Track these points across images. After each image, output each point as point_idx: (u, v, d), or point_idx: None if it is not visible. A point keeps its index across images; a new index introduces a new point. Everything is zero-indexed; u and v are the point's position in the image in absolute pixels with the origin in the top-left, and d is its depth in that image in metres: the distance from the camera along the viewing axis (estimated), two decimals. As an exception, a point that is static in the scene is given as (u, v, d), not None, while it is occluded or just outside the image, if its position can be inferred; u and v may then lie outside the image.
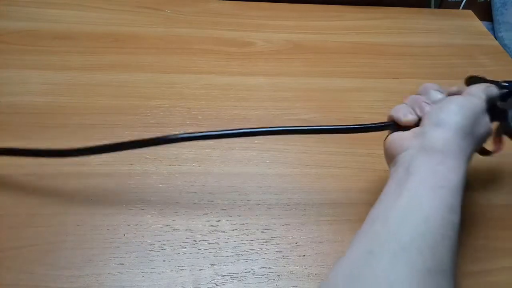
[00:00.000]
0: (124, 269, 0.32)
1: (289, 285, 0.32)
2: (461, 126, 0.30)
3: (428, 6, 0.75)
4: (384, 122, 0.35)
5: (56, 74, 0.50)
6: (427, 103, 0.33)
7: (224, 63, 0.55)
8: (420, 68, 0.58)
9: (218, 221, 0.36)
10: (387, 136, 0.34)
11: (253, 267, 0.33)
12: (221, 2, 0.68)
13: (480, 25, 0.69)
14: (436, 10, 0.74)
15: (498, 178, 0.43)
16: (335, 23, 0.66)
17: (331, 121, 0.48)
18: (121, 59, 0.53)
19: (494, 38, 0.66)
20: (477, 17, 0.72)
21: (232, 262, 0.33)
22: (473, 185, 0.41)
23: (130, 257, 0.33)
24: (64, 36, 0.56)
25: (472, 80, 0.38)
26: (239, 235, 0.35)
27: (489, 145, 0.37)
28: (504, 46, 0.81)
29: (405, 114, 0.33)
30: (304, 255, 0.34)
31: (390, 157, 0.33)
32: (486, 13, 0.91)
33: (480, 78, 0.37)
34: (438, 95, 0.34)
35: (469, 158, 0.30)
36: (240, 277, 0.33)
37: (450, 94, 0.34)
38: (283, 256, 0.34)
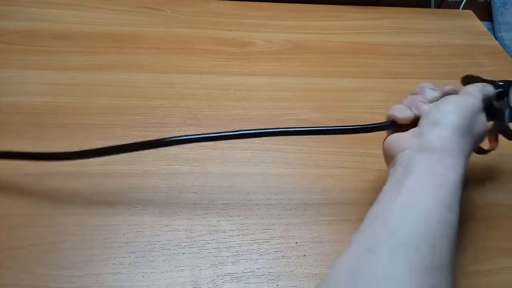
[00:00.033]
0: (124, 269, 0.32)
1: (289, 285, 0.32)
2: (458, 125, 0.30)
3: (428, 6, 0.75)
4: (382, 122, 0.35)
5: (56, 74, 0.50)
6: (423, 102, 0.33)
7: (224, 63, 0.55)
8: (420, 68, 0.58)
9: (218, 221, 0.36)
10: (386, 137, 0.34)
11: (253, 267, 0.33)
12: (221, 2, 0.68)
13: (480, 25, 0.69)
14: (436, 10, 0.74)
15: (497, 177, 0.43)
16: (335, 23, 0.66)
17: (331, 121, 0.48)
18: (121, 59, 0.53)
19: (494, 38, 0.66)
20: (477, 17, 0.72)
21: (232, 262, 0.33)
22: (473, 184, 0.41)
23: (130, 257, 0.33)
24: (64, 36, 0.56)
25: (468, 80, 0.38)
26: (239, 235, 0.35)
27: (484, 144, 0.38)
28: (504, 46, 0.81)
29: (401, 112, 0.34)
30: (304, 255, 0.34)
31: (389, 158, 0.33)
32: (486, 13, 0.91)
33: (476, 77, 0.38)
34: (433, 93, 0.34)
35: (467, 157, 0.30)
36: (240, 277, 0.33)
37: (445, 92, 0.35)
38: (283, 256, 0.34)
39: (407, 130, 0.33)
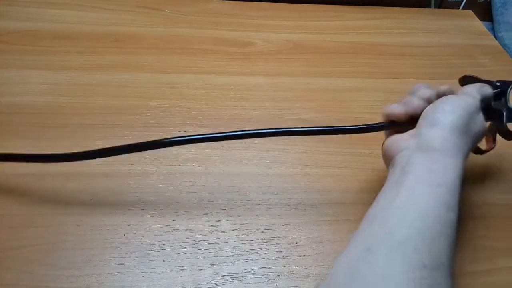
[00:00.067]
0: (124, 269, 0.32)
1: (289, 285, 0.32)
2: (456, 125, 0.30)
3: (428, 6, 0.75)
4: (381, 122, 0.35)
5: (56, 74, 0.50)
6: (416, 98, 0.34)
7: (224, 63, 0.55)
8: (420, 68, 0.58)
9: (218, 221, 0.36)
10: (385, 139, 0.35)
11: (253, 267, 0.33)
12: (221, 2, 0.68)
13: (480, 25, 0.69)
14: (436, 10, 0.74)
15: (496, 176, 0.43)
16: (335, 23, 0.66)
17: (331, 121, 0.48)
18: (121, 59, 0.53)
19: (494, 38, 0.66)
20: (477, 17, 0.72)
21: (232, 262, 0.33)
22: (471, 183, 0.41)
23: (130, 257, 0.33)
24: (64, 36, 0.56)
25: (466, 80, 0.38)
26: (239, 235, 0.35)
27: (482, 144, 0.38)
28: (504, 46, 0.81)
29: (393, 108, 0.34)
30: (304, 255, 0.34)
31: (388, 159, 0.33)
32: (486, 13, 0.91)
33: (474, 78, 0.38)
34: (427, 91, 0.34)
35: (466, 157, 0.31)
36: (240, 277, 0.33)
37: (441, 92, 0.35)
38: (283, 256, 0.34)
39: (405, 132, 0.33)
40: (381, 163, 0.37)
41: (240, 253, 0.34)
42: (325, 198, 0.39)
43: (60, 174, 0.38)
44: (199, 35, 0.60)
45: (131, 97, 0.48)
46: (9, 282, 0.31)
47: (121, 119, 0.45)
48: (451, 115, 0.31)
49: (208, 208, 0.37)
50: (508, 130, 0.35)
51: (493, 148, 0.39)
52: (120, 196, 0.37)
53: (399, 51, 0.61)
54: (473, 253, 0.36)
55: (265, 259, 0.34)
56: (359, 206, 0.38)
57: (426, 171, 0.28)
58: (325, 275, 0.32)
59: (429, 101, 0.34)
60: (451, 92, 0.35)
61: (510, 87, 0.36)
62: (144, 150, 0.33)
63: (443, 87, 0.35)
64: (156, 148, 0.33)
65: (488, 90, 0.35)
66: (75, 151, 0.34)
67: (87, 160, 0.39)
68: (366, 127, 0.35)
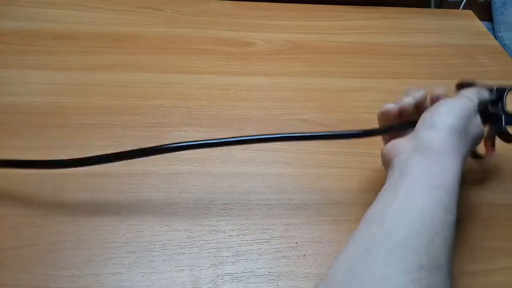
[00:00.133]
0: (124, 269, 0.32)
1: (289, 285, 0.32)
2: (454, 127, 0.31)
3: (428, 6, 0.75)
4: (379, 128, 0.37)
5: (56, 74, 0.50)
6: (408, 98, 0.35)
7: (224, 63, 0.55)
8: (420, 68, 0.58)
9: (218, 221, 0.36)
10: (384, 145, 0.35)
11: (253, 267, 0.33)
12: (221, 2, 0.68)
13: (480, 25, 0.69)
14: (436, 10, 0.74)
15: (495, 177, 0.43)
16: (335, 23, 0.66)
17: (331, 121, 0.48)
18: (121, 59, 0.53)
19: (494, 38, 0.66)
20: (477, 17, 0.72)
21: (232, 262, 0.33)
22: (470, 184, 0.41)
23: (130, 257, 0.33)
24: (64, 36, 0.56)
25: (463, 85, 0.38)
26: (239, 235, 0.35)
27: (481, 150, 0.38)
28: (504, 46, 0.81)
29: (386, 105, 0.35)
30: (304, 255, 0.34)
31: (387, 163, 0.33)
32: (486, 13, 0.91)
33: (471, 83, 0.38)
34: (419, 91, 0.35)
35: (464, 158, 0.31)
36: (240, 277, 0.33)
37: (436, 94, 0.35)
38: (283, 256, 0.34)
39: (403, 136, 0.34)
40: (381, 163, 0.37)
41: (240, 253, 0.34)
42: (325, 198, 0.39)
43: (60, 174, 0.38)
44: (199, 35, 0.60)
45: (131, 97, 0.48)
46: (9, 282, 0.31)
47: (121, 119, 0.45)
48: (448, 117, 0.31)
49: (208, 208, 0.37)
50: (508, 133, 0.35)
51: (492, 154, 0.39)
52: (120, 196, 0.37)
53: (399, 51, 0.61)
54: (472, 253, 0.36)
55: (265, 259, 0.34)
56: (359, 206, 0.38)
57: (424, 173, 0.28)
58: (325, 275, 0.32)
59: (421, 100, 0.35)
60: (445, 95, 0.35)
61: (506, 92, 0.36)
62: (149, 155, 0.33)
63: (438, 90, 0.35)
64: (163, 153, 0.33)
65: (485, 93, 0.36)
66: (75, 157, 0.34)
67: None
68: (365, 133, 0.35)
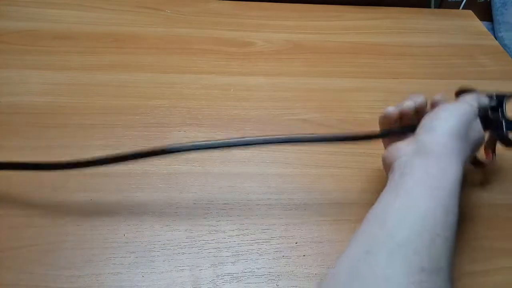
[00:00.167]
0: (124, 269, 0.32)
1: (289, 285, 0.32)
2: (454, 130, 0.31)
3: (428, 6, 0.75)
4: (378, 132, 0.37)
5: (56, 74, 0.50)
6: (408, 101, 0.35)
7: (224, 63, 0.55)
8: (420, 68, 0.58)
9: (218, 221, 0.36)
10: (384, 150, 0.36)
11: (253, 267, 0.33)
12: (221, 2, 0.68)
13: (480, 25, 0.69)
14: (436, 10, 0.74)
15: (495, 177, 0.43)
16: (335, 23, 0.66)
17: (331, 121, 0.48)
18: (121, 59, 0.53)
19: (494, 38, 0.66)
20: (477, 17, 0.72)
21: (232, 262, 0.33)
22: (470, 184, 0.41)
23: (130, 257, 0.33)
24: (64, 36, 0.56)
25: (462, 92, 0.39)
26: (239, 235, 0.35)
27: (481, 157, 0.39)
28: (504, 46, 0.81)
29: (387, 109, 0.36)
30: (304, 255, 0.34)
31: (388, 166, 0.34)
32: (486, 13, 0.91)
33: (470, 89, 0.38)
34: (420, 96, 0.36)
35: (464, 162, 0.31)
36: (240, 277, 0.33)
37: (435, 101, 0.36)
38: (283, 256, 0.34)
39: (403, 140, 0.34)
40: (381, 163, 0.37)
41: (240, 253, 0.34)
42: (325, 198, 0.39)
43: (60, 174, 0.38)
44: (199, 35, 0.60)
45: (131, 97, 0.48)
46: (9, 282, 0.31)
47: (121, 119, 0.45)
48: (448, 121, 0.31)
49: (208, 208, 0.37)
50: (509, 139, 0.36)
51: (492, 160, 0.40)
52: (120, 196, 0.37)
53: (399, 51, 0.61)
54: (472, 253, 0.36)
55: (265, 259, 0.34)
56: (359, 206, 0.38)
57: (425, 175, 0.28)
58: (325, 275, 0.32)
59: (421, 105, 0.35)
60: (445, 101, 0.36)
61: (505, 98, 0.37)
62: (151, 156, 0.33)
63: (438, 97, 0.36)
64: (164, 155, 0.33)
65: (484, 99, 0.36)
66: (75, 157, 0.34)
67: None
68: (364, 136, 0.36)
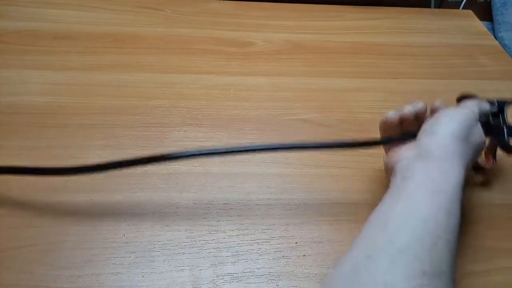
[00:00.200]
0: (124, 269, 0.32)
1: (289, 285, 0.32)
2: (455, 134, 0.31)
3: (428, 6, 0.75)
4: (378, 139, 0.37)
5: (56, 74, 0.50)
6: (408, 106, 0.36)
7: (224, 63, 0.55)
8: (420, 68, 0.58)
9: (218, 221, 0.36)
10: (385, 155, 0.36)
11: (253, 267, 0.33)
12: (221, 2, 0.68)
13: (480, 25, 0.69)
14: (436, 10, 0.74)
15: (496, 177, 0.43)
16: (335, 23, 0.66)
17: (331, 121, 0.48)
18: (121, 59, 0.53)
19: (494, 38, 0.66)
20: (477, 17, 0.72)
21: (232, 262, 0.33)
22: (471, 184, 0.41)
23: (130, 257, 0.33)
24: (64, 36, 0.56)
25: (464, 98, 0.39)
26: (239, 235, 0.35)
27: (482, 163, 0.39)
28: (504, 46, 0.81)
29: (387, 114, 0.36)
30: (304, 255, 0.34)
31: (390, 171, 0.34)
32: (486, 13, 0.91)
33: (471, 95, 0.39)
34: (420, 102, 0.36)
35: (466, 166, 0.31)
36: (240, 277, 0.33)
37: (435, 107, 0.36)
38: (283, 256, 0.34)
39: (405, 145, 0.34)
40: (381, 163, 0.37)
41: (240, 253, 0.34)
42: (325, 198, 0.39)
43: (60, 174, 0.38)
44: (199, 35, 0.60)
45: (131, 97, 0.48)
46: (9, 282, 0.31)
47: (121, 119, 0.45)
48: (449, 125, 0.32)
49: (208, 208, 0.37)
50: (510, 145, 0.36)
51: (492, 166, 0.40)
52: (120, 196, 0.37)
53: (399, 51, 0.61)
54: (473, 253, 0.36)
55: (265, 259, 0.34)
56: (359, 206, 0.38)
57: (426, 178, 0.28)
58: (325, 275, 0.32)
59: (421, 111, 0.35)
60: (445, 106, 0.36)
61: (506, 104, 0.37)
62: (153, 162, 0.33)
63: (437, 103, 0.36)
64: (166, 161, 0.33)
65: (485, 105, 0.36)
66: (75, 157, 0.34)
67: (87, 160, 0.40)
68: (365, 143, 0.36)
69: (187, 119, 0.46)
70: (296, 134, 0.45)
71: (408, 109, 0.35)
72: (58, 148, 0.41)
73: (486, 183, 0.42)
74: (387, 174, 0.35)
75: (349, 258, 0.26)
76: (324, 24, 0.65)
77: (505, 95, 0.54)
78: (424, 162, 0.30)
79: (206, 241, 0.35)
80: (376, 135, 0.38)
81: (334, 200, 0.39)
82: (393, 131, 0.36)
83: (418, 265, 0.24)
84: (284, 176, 0.41)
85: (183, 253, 0.34)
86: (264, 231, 0.36)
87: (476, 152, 0.34)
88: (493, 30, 0.91)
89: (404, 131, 0.36)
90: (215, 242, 0.35)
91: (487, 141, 0.36)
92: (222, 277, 0.32)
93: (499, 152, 0.39)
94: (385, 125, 0.36)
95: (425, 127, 0.33)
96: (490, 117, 0.36)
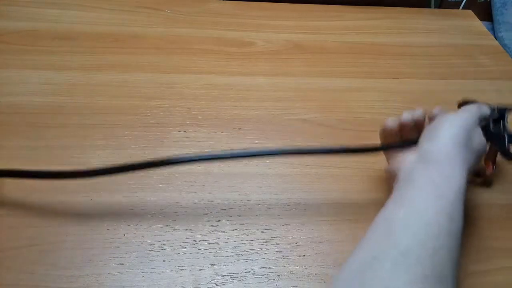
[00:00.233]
0: (124, 269, 0.32)
1: (289, 285, 0.32)
2: (456, 138, 0.31)
3: (428, 6, 0.75)
4: (378, 145, 0.38)
5: (56, 74, 0.50)
6: (407, 113, 0.36)
7: (224, 63, 0.55)
8: (420, 68, 0.58)
9: (218, 221, 0.36)
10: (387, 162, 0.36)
11: (253, 267, 0.33)
12: (221, 2, 0.68)
13: (480, 25, 0.69)
14: (436, 10, 0.74)
15: (496, 177, 0.43)
16: (335, 23, 0.66)
17: (331, 121, 0.48)
18: (121, 59, 0.53)
19: (494, 38, 0.66)
20: (477, 17, 0.72)
21: (232, 262, 0.33)
22: (471, 184, 0.41)
23: (130, 257, 0.33)
24: (64, 36, 0.56)
25: (465, 104, 0.39)
26: (239, 235, 0.35)
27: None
28: (504, 46, 0.81)
29: (387, 121, 0.36)
30: (304, 255, 0.34)
31: (392, 177, 0.34)
32: (486, 13, 0.91)
33: (472, 101, 0.39)
34: (418, 110, 0.36)
35: (468, 170, 0.31)
36: (240, 277, 0.33)
37: (434, 114, 0.36)
38: (283, 256, 0.34)
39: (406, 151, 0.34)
40: (381, 163, 0.37)
41: (240, 253, 0.34)
42: (325, 198, 0.39)
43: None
44: (199, 35, 0.60)
45: (131, 97, 0.48)
46: (9, 282, 0.31)
47: (121, 119, 0.45)
48: (450, 130, 0.32)
49: (208, 208, 0.37)
50: (510, 152, 0.36)
51: (493, 172, 0.40)
52: (120, 196, 0.37)
53: (399, 51, 0.61)
54: (475, 253, 0.36)
55: (265, 259, 0.34)
56: (359, 206, 0.38)
57: (428, 183, 0.29)
58: (326, 275, 0.32)
59: (420, 118, 0.36)
60: (444, 113, 0.36)
61: (507, 111, 0.37)
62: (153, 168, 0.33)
63: (435, 110, 0.36)
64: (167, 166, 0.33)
65: (485, 109, 0.36)
66: (75, 157, 0.34)
67: (87, 160, 0.40)
68: (365, 149, 0.36)
69: (187, 119, 0.46)
70: (296, 134, 0.45)
71: (407, 116, 0.36)
72: (58, 148, 0.41)
73: (487, 184, 0.42)
74: (390, 181, 0.35)
75: (357, 256, 0.27)
76: (324, 24, 0.65)
77: (505, 95, 0.54)
78: (426, 167, 0.30)
79: (206, 241, 0.35)
80: (376, 135, 0.38)
81: (334, 200, 0.39)
82: (393, 138, 0.37)
83: (420, 269, 0.24)
84: (284, 176, 0.41)
85: (183, 253, 0.34)
86: (264, 231, 0.36)
87: (478, 157, 0.34)
88: (493, 30, 0.91)
89: (403, 138, 0.36)
90: (215, 242, 0.35)
91: (488, 147, 0.36)
92: (222, 277, 0.32)
93: (499, 156, 0.39)
94: (385, 133, 0.37)
95: (426, 132, 0.33)
96: (491, 123, 0.36)
